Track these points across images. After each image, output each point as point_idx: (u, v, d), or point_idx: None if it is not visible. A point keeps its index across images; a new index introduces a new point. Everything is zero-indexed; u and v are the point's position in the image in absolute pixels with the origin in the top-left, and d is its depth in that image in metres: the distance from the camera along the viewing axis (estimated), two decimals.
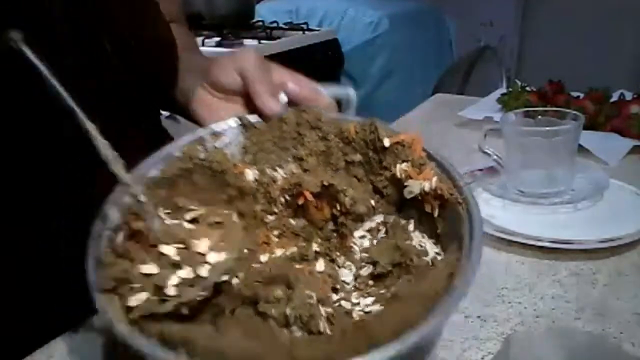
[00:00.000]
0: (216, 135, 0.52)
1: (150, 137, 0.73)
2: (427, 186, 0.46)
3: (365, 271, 0.47)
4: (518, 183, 0.79)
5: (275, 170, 0.50)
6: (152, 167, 0.48)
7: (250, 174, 0.49)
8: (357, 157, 0.50)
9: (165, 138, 0.81)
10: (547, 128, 0.76)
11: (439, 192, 0.45)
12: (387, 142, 0.48)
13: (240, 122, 0.53)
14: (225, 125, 0.53)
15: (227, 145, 0.51)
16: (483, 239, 0.42)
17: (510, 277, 0.63)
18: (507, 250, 0.68)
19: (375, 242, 0.49)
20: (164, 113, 0.81)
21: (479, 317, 0.57)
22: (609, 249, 0.67)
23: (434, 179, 0.46)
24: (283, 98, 0.55)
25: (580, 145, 0.81)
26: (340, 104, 0.56)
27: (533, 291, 0.61)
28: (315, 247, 0.49)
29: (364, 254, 0.49)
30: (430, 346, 0.42)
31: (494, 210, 0.75)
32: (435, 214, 0.46)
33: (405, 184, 0.47)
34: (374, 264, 0.46)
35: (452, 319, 0.55)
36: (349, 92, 0.55)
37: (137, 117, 0.70)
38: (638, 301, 0.59)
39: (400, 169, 0.48)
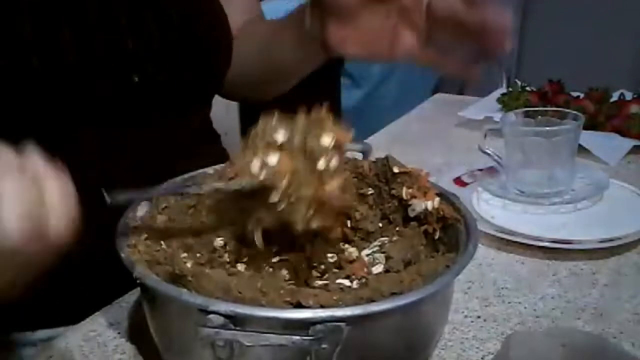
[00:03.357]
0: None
1: (199, 135, 0.70)
2: (429, 205, 0.50)
3: (377, 269, 0.49)
4: (518, 183, 0.79)
5: None
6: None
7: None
8: (369, 191, 0.55)
9: (213, 136, 0.77)
10: (547, 128, 0.76)
11: (440, 212, 0.50)
12: (396, 169, 0.53)
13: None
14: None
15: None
16: (478, 242, 0.46)
17: (510, 277, 0.63)
18: (507, 250, 0.68)
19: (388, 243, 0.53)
20: None
21: (479, 317, 0.57)
22: (608, 249, 0.67)
23: (436, 199, 0.50)
24: None
25: (580, 145, 0.81)
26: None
27: (533, 291, 0.61)
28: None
29: (377, 254, 0.51)
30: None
31: (494, 210, 0.75)
32: (437, 236, 0.50)
33: (409, 203, 0.52)
34: (387, 259, 0.49)
35: (452, 319, 0.55)
36: (367, 146, 0.60)
37: (185, 112, 0.67)
38: (638, 301, 0.59)
39: (406, 192, 0.52)
